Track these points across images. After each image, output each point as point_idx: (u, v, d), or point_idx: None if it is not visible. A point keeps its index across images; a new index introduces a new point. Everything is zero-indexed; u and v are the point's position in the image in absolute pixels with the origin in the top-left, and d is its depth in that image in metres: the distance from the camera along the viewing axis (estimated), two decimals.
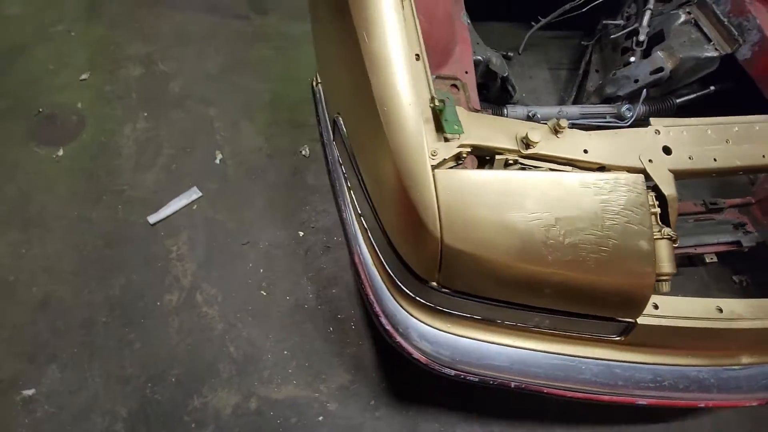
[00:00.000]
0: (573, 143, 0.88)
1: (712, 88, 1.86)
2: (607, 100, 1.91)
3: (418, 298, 0.92)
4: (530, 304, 0.88)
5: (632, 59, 1.82)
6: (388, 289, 0.96)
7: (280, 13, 2.33)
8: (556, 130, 0.88)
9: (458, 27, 1.32)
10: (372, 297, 0.97)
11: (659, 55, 1.74)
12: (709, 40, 1.74)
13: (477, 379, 0.95)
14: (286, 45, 2.21)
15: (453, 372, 0.94)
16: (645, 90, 1.79)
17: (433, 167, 0.79)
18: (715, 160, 0.92)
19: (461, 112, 0.85)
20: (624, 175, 0.82)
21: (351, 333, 1.50)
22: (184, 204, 1.70)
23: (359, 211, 0.99)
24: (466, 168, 0.82)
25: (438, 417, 1.38)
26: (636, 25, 1.83)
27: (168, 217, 1.67)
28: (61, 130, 1.85)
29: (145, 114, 1.91)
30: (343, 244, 1.66)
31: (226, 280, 1.55)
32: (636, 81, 1.78)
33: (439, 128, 0.83)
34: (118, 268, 1.55)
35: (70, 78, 1.99)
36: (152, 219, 1.65)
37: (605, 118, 1.86)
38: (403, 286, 0.93)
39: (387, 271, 0.95)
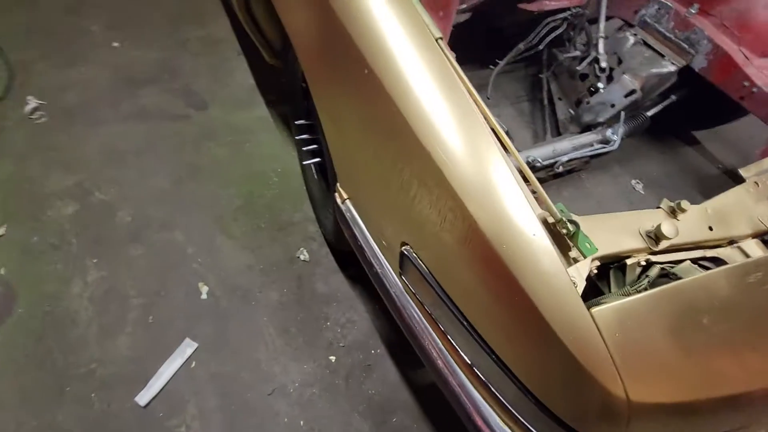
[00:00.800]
0: (695, 222, 0.77)
1: (673, 97, 1.96)
2: (587, 127, 1.93)
3: None
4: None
5: (600, 85, 1.85)
6: None
7: (222, 104, 2.08)
8: (675, 212, 0.77)
9: None
10: None
11: (627, 78, 1.79)
12: (663, 56, 1.83)
13: None
14: (239, 138, 1.96)
15: None
16: (622, 112, 1.83)
17: (588, 307, 0.63)
18: None
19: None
20: None
21: None
22: (179, 365, 1.35)
23: (468, 361, 0.79)
24: (621, 297, 0.67)
25: None
26: (593, 53, 1.88)
27: (162, 389, 1.31)
28: None
29: (95, 260, 1.54)
30: (385, 356, 1.44)
31: None
32: (613, 106, 1.82)
33: (565, 250, 0.68)
34: None
35: None
36: (142, 399, 1.28)
37: (593, 146, 1.88)
38: None
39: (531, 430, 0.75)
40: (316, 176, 1.63)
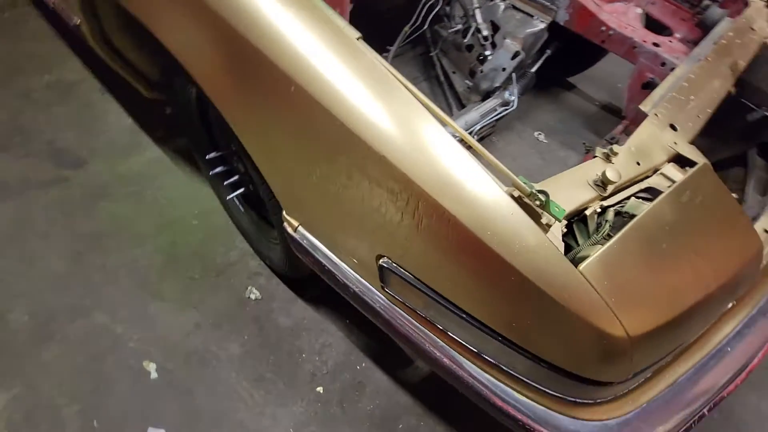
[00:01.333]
0: (626, 162, 0.86)
1: (548, 51, 2.16)
2: (486, 94, 2.05)
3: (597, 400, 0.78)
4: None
5: (487, 53, 1.96)
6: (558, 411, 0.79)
7: (103, 155, 1.80)
8: (609, 157, 0.84)
9: None
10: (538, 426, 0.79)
11: (509, 42, 1.93)
12: (532, 16, 2.01)
13: None
14: (136, 188, 1.72)
15: None
16: (513, 72, 1.98)
17: (576, 267, 0.66)
18: (699, 116, 1.02)
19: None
20: (695, 169, 0.83)
21: None
22: None
23: (475, 350, 0.79)
24: (593, 247, 0.71)
25: None
26: (473, 24, 1.99)
27: None
28: None
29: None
30: (372, 367, 1.40)
31: None
32: (504, 69, 1.95)
33: (536, 218, 0.70)
34: None
35: None
36: None
37: (496, 110, 2.01)
38: (577, 399, 0.78)
39: (549, 393, 0.78)
40: (243, 209, 1.50)
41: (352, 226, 0.82)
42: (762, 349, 0.95)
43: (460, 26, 2.04)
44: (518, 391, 0.80)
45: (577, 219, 0.80)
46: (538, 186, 0.73)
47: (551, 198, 0.70)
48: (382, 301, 0.87)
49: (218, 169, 1.41)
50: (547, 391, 0.78)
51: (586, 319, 0.66)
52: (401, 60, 2.43)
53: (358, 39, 0.75)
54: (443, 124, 0.73)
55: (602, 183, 0.80)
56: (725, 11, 1.62)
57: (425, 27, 2.00)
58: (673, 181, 0.84)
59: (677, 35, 1.86)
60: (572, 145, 2.16)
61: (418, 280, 0.77)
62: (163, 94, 1.49)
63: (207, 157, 1.36)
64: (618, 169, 0.80)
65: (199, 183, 1.75)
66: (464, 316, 0.76)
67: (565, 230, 0.76)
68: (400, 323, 0.86)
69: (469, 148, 0.73)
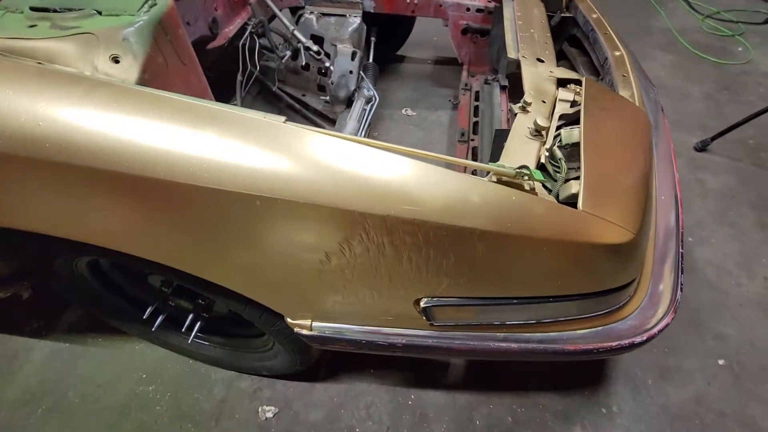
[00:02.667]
0: (538, 105, 0.98)
1: (373, 39, 2.29)
2: (348, 101, 2.09)
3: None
4: None
5: (327, 64, 2.00)
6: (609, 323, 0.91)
7: None
8: (525, 108, 0.96)
9: None
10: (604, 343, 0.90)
11: (342, 46, 1.99)
12: (345, 15, 2.09)
13: None
14: (48, 402, 1.38)
15: None
16: (360, 71, 2.05)
17: (583, 211, 0.75)
18: (546, 43, 1.20)
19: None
20: (584, 84, 0.99)
21: None
22: None
23: (534, 320, 0.85)
24: (570, 183, 0.81)
25: None
26: (299, 45, 1.99)
27: None
28: None
29: None
30: (420, 393, 1.40)
31: None
32: (351, 72, 2.01)
33: (521, 189, 0.77)
34: None
35: None
36: None
37: (365, 109, 2.07)
38: (616, 305, 0.90)
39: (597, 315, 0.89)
40: (207, 342, 1.31)
41: (375, 293, 0.79)
42: (672, 185, 1.21)
43: (287, 52, 2.03)
44: (578, 329, 0.89)
45: (538, 170, 0.90)
46: (508, 164, 0.80)
47: (521, 167, 0.78)
48: (435, 336, 0.87)
49: (159, 321, 1.20)
50: (595, 314, 0.89)
51: (604, 243, 0.76)
52: (254, 105, 2.32)
53: (285, 122, 0.70)
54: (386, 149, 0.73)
55: (537, 131, 0.91)
56: None
57: (257, 69, 1.94)
58: (574, 101, 1.00)
59: None
60: (437, 105, 2.36)
61: (463, 298, 0.79)
62: (29, 287, 1.20)
63: (144, 316, 1.14)
64: (540, 114, 0.92)
65: (124, 348, 1.47)
66: (515, 302, 0.80)
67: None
68: (460, 343, 0.87)
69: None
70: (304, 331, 0.88)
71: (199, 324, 1.20)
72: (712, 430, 1.30)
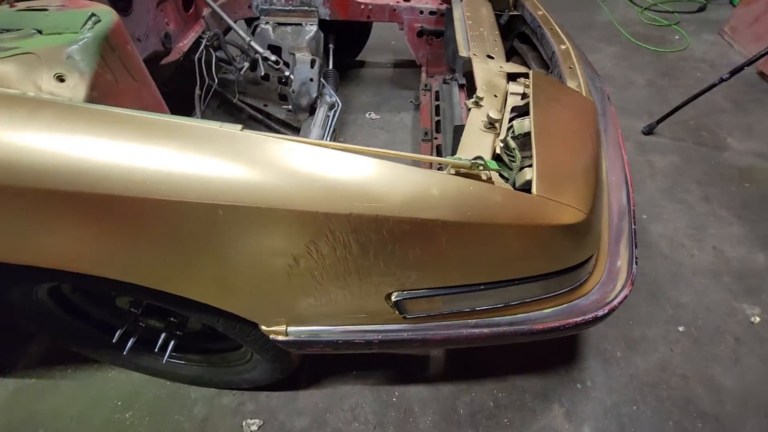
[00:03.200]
0: (490, 99, 1.03)
1: (331, 45, 2.31)
2: (311, 108, 2.10)
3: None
4: None
5: (287, 73, 2.00)
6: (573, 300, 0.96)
7: None
8: (478, 103, 1.00)
9: None
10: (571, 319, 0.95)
11: (300, 55, 2.00)
12: (301, 24, 2.11)
13: None
14: None
15: None
16: (320, 78, 2.07)
17: (537, 196, 0.80)
18: (495, 40, 1.26)
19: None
20: (532, 77, 1.04)
21: None
22: None
23: (502, 304, 0.89)
24: (525, 171, 0.85)
25: None
26: (257, 56, 1.99)
27: None
28: None
29: None
30: (404, 390, 1.41)
31: None
32: (312, 80, 2.02)
33: (479, 179, 0.81)
34: None
35: None
36: None
37: (329, 116, 2.09)
38: (578, 282, 0.95)
39: (561, 292, 0.93)
40: (184, 361, 1.29)
41: (347, 292, 0.80)
42: (622, 167, 1.29)
43: (245, 64, 2.02)
44: (545, 308, 0.94)
45: (494, 160, 0.94)
46: (464, 156, 0.83)
47: (476, 158, 0.82)
48: (409, 329, 0.89)
49: (130, 343, 1.16)
50: (559, 292, 0.94)
51: (560, 223, 0.80)
52: (213, 116, 2.29)
53: (242, 129, 0.71)
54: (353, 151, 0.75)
55: (491, 124, 0.95)
56: None
57: (215, 83, 1.92)
58: (524, 94, 1.05)
59: None
60: (399, 107, 2.40)
61: (432, 289, 0.82)
62: None
63: (114, 340, 1.11)
64: (493, 108, 0.96)
65: (96, 377, 1.42)
66: (482, 287, 0.84)
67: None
68: (433, 334, 0.90)
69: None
70: (280, 337, 0.89)
71: (173, 343, 1.17)
72: (677, 393, 1.39)
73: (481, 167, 0.78)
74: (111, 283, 0.79)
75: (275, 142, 0.70)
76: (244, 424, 1.33)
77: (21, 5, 0.87)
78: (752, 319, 1.56)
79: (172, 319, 1.11)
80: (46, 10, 0.84)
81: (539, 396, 1.39)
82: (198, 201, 0.66)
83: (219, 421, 1.34)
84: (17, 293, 0.98)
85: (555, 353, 1.48)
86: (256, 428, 1.32)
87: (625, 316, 1.57)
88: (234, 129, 0.71)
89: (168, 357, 1.19)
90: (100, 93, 0.77)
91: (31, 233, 0.69)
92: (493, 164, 0.81)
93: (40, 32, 0.77)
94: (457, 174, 0.79)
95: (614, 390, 1.40)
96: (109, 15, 0.83)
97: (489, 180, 0.81)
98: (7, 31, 0.77)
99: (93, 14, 0.81)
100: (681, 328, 1.54)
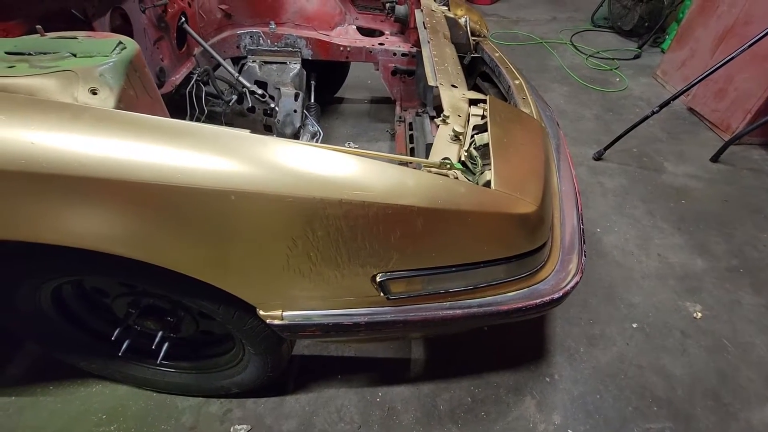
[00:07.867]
0: (455, 119, 1.22)
1: (313, 82, 2.52)
2: (295, 136, 2.27)
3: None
4: None
5: (272, 105, 2.18)
6: (535, 283, 1.11)
7: None
8: (446, 120, 1.19)
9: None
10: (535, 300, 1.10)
11: (285, 90, 2.20)
12: (286, 63, 2.32)
13: None
14: None
15: None
16: (304, 111, 2.26)
17: (496, 190, 0.96)
18: (458, 73, 1.48)
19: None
20: (488, 102, 1.25)
21: None
22: None
23: (472, 286, 1.03)
24: (485, 172, 1.03)
25: None
26: (244, 90, 2.16)
27: None
28: None
29: None
30: (387, 389, 1.49)
31: None
32: (296, 111, 2.21)
33: (444, 175, 0.98)
34: None
35: None
36: None
37: (315, 138, 2.26)
38: (536, 267, 1.11)
39: (523, 275, 1.08)
40: (174, 369, 1.34)
41: (336, 273, 0.92)
42: (571, 180, 1.49)
43: (233, 97, 2.18)
44: (509, 291, 1.08)
45: (459, 167, 1.11)
46: (436, 159, 1.00)
47: (444, 158, 0.99)
48: (392, 311, 1.01)
49: (125, 345, 1.21)
50: (519, 276, 1.08)
51: (515, 212, 0.96)
52: None
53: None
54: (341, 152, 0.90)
55: (456, 137, 1.13)
56: (405, 5, 2.26)
57: (204, 113, 2.07)
58: (483, 115, 1.25)
59: (387, 32, 2.46)
60: (377, 137, 2.60)
61: (411, 270, 0.95)
62: None
63: (112, 337, 1.16)
64: (457, 124, 1.15)
65: (79, 392, 1.43)
66: (454, 269, 0.97)
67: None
68: (414, 315, 1.01)
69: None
70: (276, 321, 0.98)
71: (166, 345, 1.23)
72: (634, 381, 1.53)
73: (448, 166, 0.94)
74: (128, 269, 0.89)
75: (279, 142, 0.85)
76: (232, 429, 1.36)
77: (51, 35, 1.01)
78: (695, 315, 1.75)
79: (168, 318, 1.18)
80: (76, 38, 0.98)
81: (512, 390, 1.49)
82: (213, 188, 0.78)
83: (207, 429, 1.37)
84: (24, 290, 1.04)
85: (525, 351, 1.61)
86: None
87: (586, 316, 1.73)
88: (243, 132, 0.85)
89: (159, 363, 1.24)
90: (125, 105, 0.90)
91: (68, 213, 0.79)
92: (458, 165, 0.98)
93: (74, 55, 0.91)
94: (431, 172, 0.95)
95: (579, 381, 1.52)
96: (132, 44, 0.99)
97: (456, 177, 0.98)
98: (44, 54, 0.91)
99: (120, 42, 0.96)
100: (635, 325, 1.71)
